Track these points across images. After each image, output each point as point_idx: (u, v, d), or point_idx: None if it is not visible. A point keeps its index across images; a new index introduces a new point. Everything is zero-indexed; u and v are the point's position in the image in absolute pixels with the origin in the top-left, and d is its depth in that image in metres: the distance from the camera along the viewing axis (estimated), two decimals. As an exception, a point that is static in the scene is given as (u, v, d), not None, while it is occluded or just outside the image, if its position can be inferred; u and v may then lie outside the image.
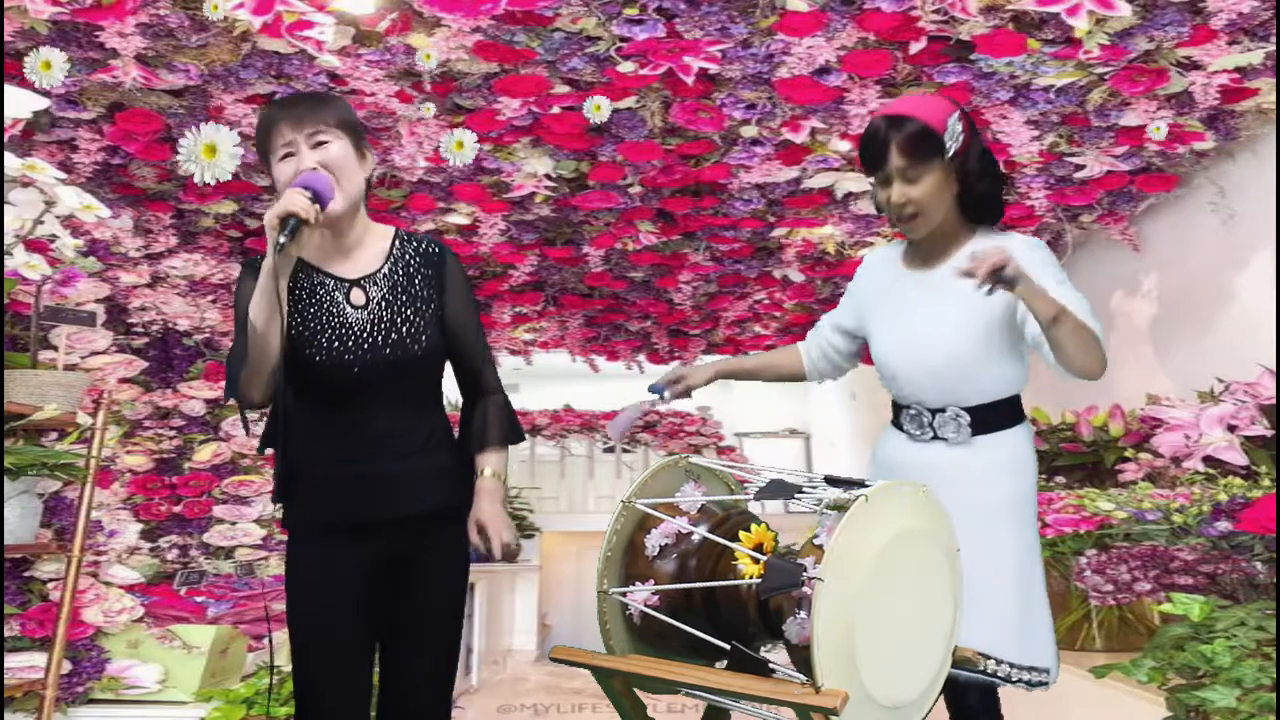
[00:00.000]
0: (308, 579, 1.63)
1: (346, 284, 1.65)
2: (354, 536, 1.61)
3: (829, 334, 2.04)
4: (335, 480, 1.60)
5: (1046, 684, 1.71)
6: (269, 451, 1.67)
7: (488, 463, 1.68)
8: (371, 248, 1.69)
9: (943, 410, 1.77)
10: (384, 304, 1.64)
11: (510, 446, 1.76)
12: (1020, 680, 1.68)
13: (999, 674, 1.67)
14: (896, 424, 1.89)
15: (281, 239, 1.46)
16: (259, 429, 2.84)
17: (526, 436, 1.81)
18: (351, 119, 1.66)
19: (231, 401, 1.61)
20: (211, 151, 1.73)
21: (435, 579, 1.66)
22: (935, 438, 1.79)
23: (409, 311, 1.64)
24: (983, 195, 1.78)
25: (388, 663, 1.67)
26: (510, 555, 1.64)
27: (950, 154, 1.72)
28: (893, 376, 1.86)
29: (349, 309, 1.63)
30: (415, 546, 1.64)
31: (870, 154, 1.76)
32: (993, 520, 1.70)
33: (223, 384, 3.14)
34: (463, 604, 1.73)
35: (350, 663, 1.61)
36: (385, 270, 1.67)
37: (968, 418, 1.76)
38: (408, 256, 1.69)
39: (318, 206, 1.51)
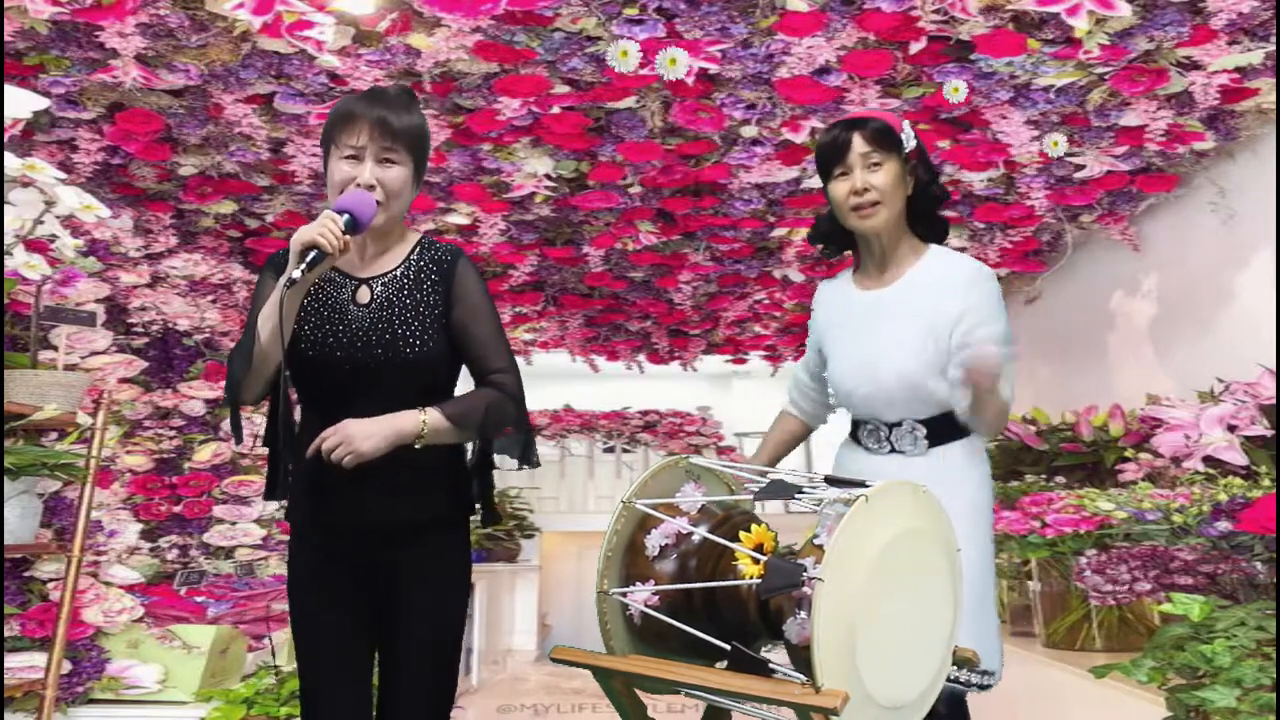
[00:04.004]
0: (295, 574, 1.66)
1: (355, 282, 1.65)
2: (336, 537, 1.61)
3: (806, 381, 2.09)
4: (320, 480, 1.58)
5: (991, 685, 1.76)
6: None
7: (427, 410, 1.55)
8: (393, 252, 1.68)
9: (899, 424, 1.82)
10: (386, 304, 1.63)
11: (469, 437, 1.62)
12: (973, 684, 1.72)
13: (960, 679, 1.69)
14: (854, 438, 1.93)
15: (296, 273, 1.47)
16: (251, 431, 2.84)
17: (502, 444, 1.69)
18: (423, 142, 1.66)
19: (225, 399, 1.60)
20: None
21: (423, 593, 1.61)
22: (893, 450, 1.83)
23: (409, 315, 1.62)
24: (931, 204, 1.87)
25: (380, 678, 1.65)
26: (335, 460, 1.48)
27: (906, 151, 1.83)
28: (849, 395, 1.89)
29: (352, 307, 1.63)
30: (401, 556, 1.61)
31: (833, 149, 1.84)
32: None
33: (223, 384, 3.15)
34: (457, 621, 1.66)
35: (337, 659, 1.61)
36: (397, 273, 1.66)
37: (924, 430, 1.80)
38: (423, 262, 1.67)
39: (347, 236, 1.50)
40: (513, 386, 1.65)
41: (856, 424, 1.92)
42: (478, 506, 1.71)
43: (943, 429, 1.79)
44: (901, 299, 1.82)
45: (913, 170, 1.85)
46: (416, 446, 1.54)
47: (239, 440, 1.67)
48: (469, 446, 1.67)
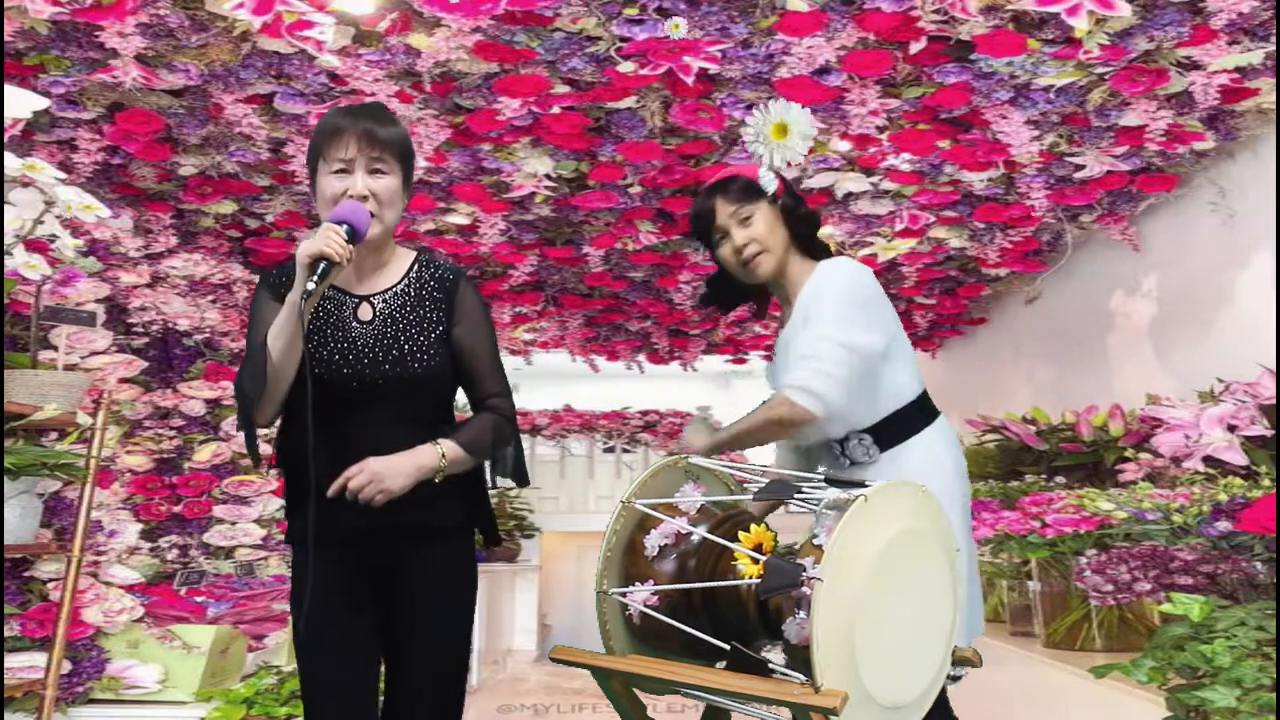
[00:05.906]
0: (300, 577, 1.65)
1: (356, 299, 1.66)
2: (342, 547, 1.60)
3: None
4: (327, 491, 1.57)
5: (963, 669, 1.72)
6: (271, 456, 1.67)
7: (442, 442, 1.58)
8: (391, 268, 1.69)
9: (846, 439, 1.85)
10: (389, 320, 1.63)
11: (481, 462, 1.65)
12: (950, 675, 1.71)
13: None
14: (820, 460, 1.97)
15: (310, 284, 1.47)
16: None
17: (499, 467, 1.74)
18: (409, 150, 1.67)
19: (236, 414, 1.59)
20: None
21: (429, 595, 1.62)
22: (852, 464, 1.85)
23: (414, 330, 1.63)
24: (806, 228, 1.92)
25: (386, 682, 1.65)
26: (365, 499, 1.50)
27: (771, 194, 1.88)
28: None
29: (354, 324, 1.63)
30: (407, 558, 1.62)
31: (703, 221, 1.91)
32: None
33: (223, 384, 3.15)
34: (463, 625, 1.67)
35: (343, 660, 1.60)
36: (398, 289, 1.66)
37: (869, 438, 1.82)
38: (425, 278, 1.68)
39: (351, 247, 1.51)
40: (509, 410, 1.70)
41: (809, 449, 1.96)
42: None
43: (889, 432, 1.81)
44: (797, 325, 1.86)
45: (783, 206, 1.90)
46: (436, 480, 1.57)
47: (256, 464, 1.68)
48: None
